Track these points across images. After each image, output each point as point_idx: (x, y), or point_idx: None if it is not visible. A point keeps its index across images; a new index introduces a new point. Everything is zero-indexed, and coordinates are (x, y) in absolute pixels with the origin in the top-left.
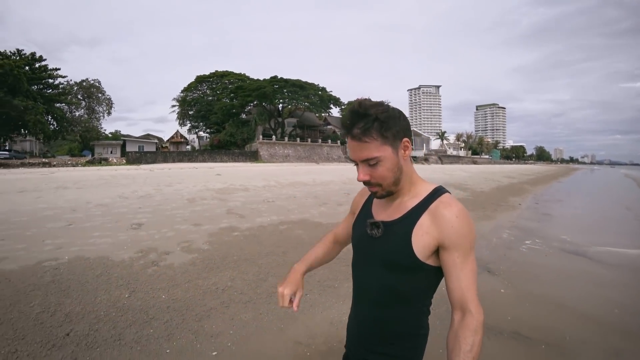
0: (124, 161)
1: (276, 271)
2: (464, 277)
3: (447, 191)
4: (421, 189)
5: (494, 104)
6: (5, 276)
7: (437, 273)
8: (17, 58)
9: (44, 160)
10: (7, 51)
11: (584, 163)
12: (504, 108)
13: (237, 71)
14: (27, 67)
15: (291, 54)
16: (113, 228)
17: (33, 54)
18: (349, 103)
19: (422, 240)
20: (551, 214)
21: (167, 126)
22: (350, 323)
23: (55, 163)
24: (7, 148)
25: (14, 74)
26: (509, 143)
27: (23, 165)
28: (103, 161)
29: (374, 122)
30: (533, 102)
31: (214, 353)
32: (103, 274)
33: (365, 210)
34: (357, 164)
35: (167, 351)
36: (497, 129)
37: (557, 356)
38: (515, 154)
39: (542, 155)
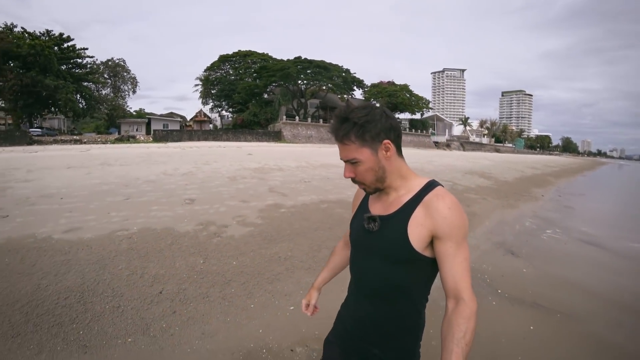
0: (151, 139)
1: (327, 244)
2: (457, 266)
3: (440, 184)
4: (414, 183)
5: (520, 91)
6: (86, 244)
7: (434, 264)
8: (47, 38)
9: (74, 137)
10: (37, 32)
11: (612, 157)
12: (531, 95)
13: (258, 50)
14: (56, 48)
15: (312, 33)
16: (168, 203)
17: (61, 34)
18: (372, 85)
19: (417, 232)
20: (573, 207)
21: (188, 104)
22: (345, 317)
23: (85, 140)
24: (39, 126)
25: (45, 54)
26: (534, 132)
27: (56, 142)
28: (131, 138)
29: (353, 126)
30: (562, 90)
31: (291, 307)
32: (174, 243)
33: (363, 206)
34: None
35: (252, 306)
36: (522, 117)
37: (569, 322)
38: (540, 144)
39: (568, 147)
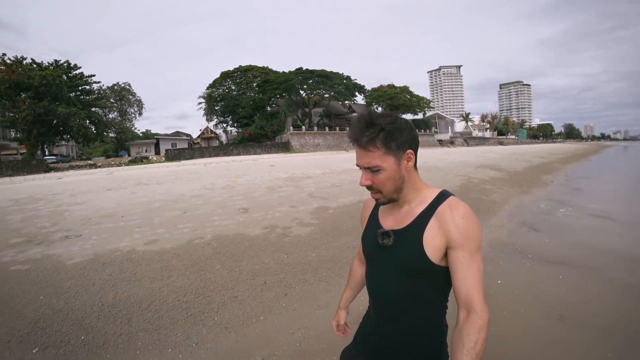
0: (163, 159)
1: None
2: (470, 276)
3: (452, 194)
4: (427, 195)
5: (518, 82)
6: (172, 252)
7: (449, 272)
8: (54, 68)
9: (89, 162)
10: (45, 62)
11: (617, 139)
12: (529, 85)
13: (256, 63)
14: (64, 76)
15: (308, 43)
16: (224, 213)
17: (69, 63)
18: (373, 90)
19: (433, 243)
20: (581, 188)
21: (189, 122)
22: (368, 331)
23: (100, 164)
24: (51, 153)
25: (56, 83)
26: (536, 121)
27: (71, 167)
28: (144, 159)
29: (379, 132)
30: (560, 76)
31: None
32: (252, 245)
33: (373, 220)
34: (361, 169)
35: (345, 282)
36: (522, 108)
37: (590, 272)
38: (543, 133)
39: (571, 133)
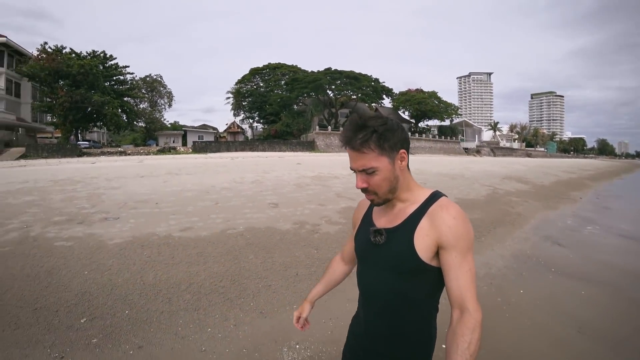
0: (190, 150)
1: None
2: (462, 276)
3: (444, 195)
4: (419, 195)
5: (550, 92)
6: (207, 240)
7: (441, 274)
8: (91, 57)
9: (119, 149)
10: (84, 52)
11: None
12: (562, 96)
13: (279, 61)
14: (100, 66)
15: (335, 43)
16: (255, 207)
17: (105, 54)
18: (401, 93)
19: (423, 242)
20: (610, 207)
21: (214, 116)
22: (356, 331)
23: (130, 152)
24: (84, 139)
25: (93, 72)
26: (567, 135)
27: (103, 153)
28: (172, 150)
29: (372, 134)
30: (595, 89)
31: None
32: (283, 239)
33: (367, 220)
34: (356, 172)
35: None
36: (553, 119)
37: (609, 288)
38: (574, 147)
39: (604, 149)
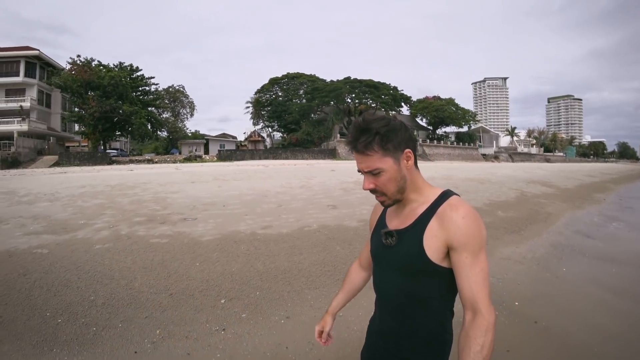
0: (215, 158)
1: None
2: (474, 277)
3: (455, 194)
4: (429, 195)
5: (568, 96)
6: (292, 235)
7: (453, 275)
8: (118, 69)
9: (147, 157)
10: (111, 64)
11: None
12: (580, 100)
13: (291, 69)
14: (127, 77)
15: (349, 51)
16: (315, 208)
17: (131, 66)
18: (418, 101)
19: (433, 243)
20: (633, 207)
21: (230, 125)
22: (372, 332)
23: (156, 160)
24: (112, 147)
25: (122, 83)
26: (586, 139)
27: (132, 161)
28: (198, 158)
29: (375, 136)
30: (615, 90)
31: None
32: (357, 234)
33: (380, 222)
34: (363, 174)
35: None
36: (572, 123)
37: (632, 266)
38: (594, 151)
39: (625, 152)
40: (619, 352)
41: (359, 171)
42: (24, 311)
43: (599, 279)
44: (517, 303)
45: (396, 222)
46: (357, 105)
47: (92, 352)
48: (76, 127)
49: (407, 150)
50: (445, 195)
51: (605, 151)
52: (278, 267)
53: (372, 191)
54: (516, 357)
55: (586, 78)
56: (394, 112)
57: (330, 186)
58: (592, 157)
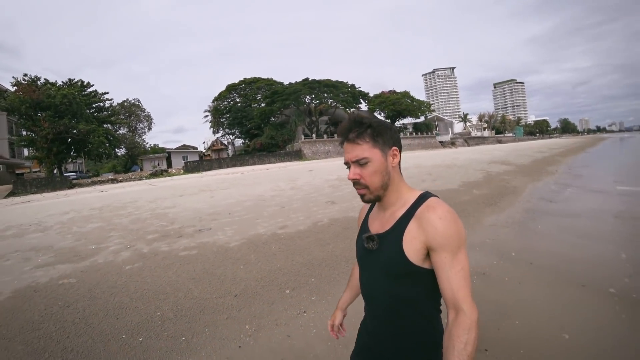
0: (182, 171)
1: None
2: (454, 276)
3: (434, 195)
4: (409, 197)
5: (511, 80)
6: (310, 231)
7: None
8: (68, 86)
9: (110, 177)
10: (60, 82)
11: (612, 131)
12: (523, 83)
13: (246, 74)
14: (80, 95)
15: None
16: (317, 205)
17: (82, 81)
18: (375, 96)
19: (412, 245)
20: (582, 175)
21: (185, 135)
22: (363, 334)
23: (120, 179)
24: (69, 170)
25: (76, 101)
26: (531, 118)
27: (94, 183)
28: (164, 172)
29: (367, 128)
30: (552, 72)
31: (477, 248)
32: None
33: (363, 227)
34: (349, 166)
35: None
36: (517, 105)
37: (591, 219)
38: (539, 129)
39: (567, 128)
40: (591, 273)
41: (345, 163)
42: (94, 339)
43: (566, 229)
44: (513, 253)
45: (377, 226)
46: (317, 105)
47: (197, 357)
48: (26, 152)
49: (395, 148)
50: (424, 197)
51: (549, 128)
52: (316, 257)
53: (356, 183)
54: (526, 288)
55: (526, 63)
56: (353, 109)
57: (319, 185)
58: (538, 134)
